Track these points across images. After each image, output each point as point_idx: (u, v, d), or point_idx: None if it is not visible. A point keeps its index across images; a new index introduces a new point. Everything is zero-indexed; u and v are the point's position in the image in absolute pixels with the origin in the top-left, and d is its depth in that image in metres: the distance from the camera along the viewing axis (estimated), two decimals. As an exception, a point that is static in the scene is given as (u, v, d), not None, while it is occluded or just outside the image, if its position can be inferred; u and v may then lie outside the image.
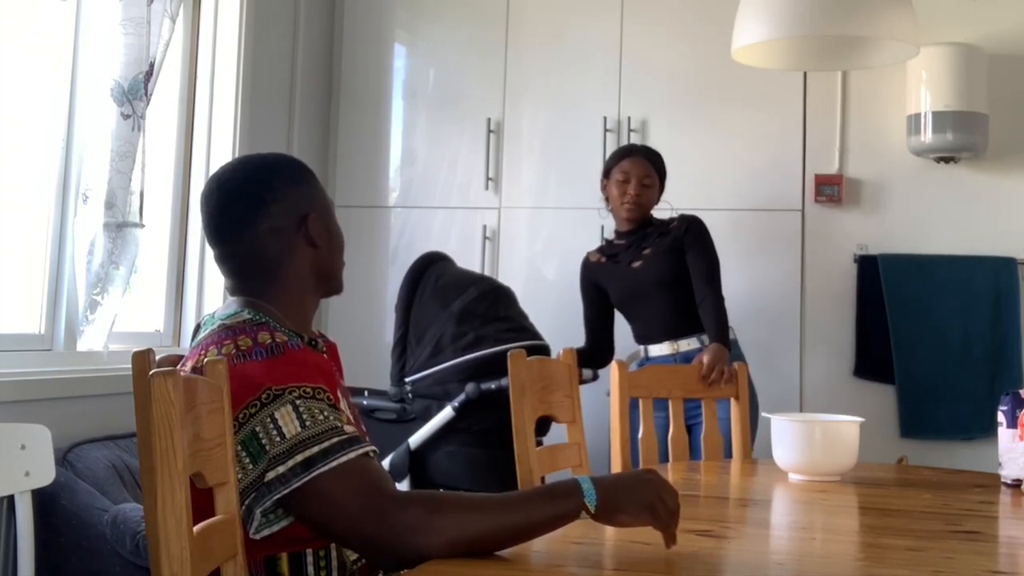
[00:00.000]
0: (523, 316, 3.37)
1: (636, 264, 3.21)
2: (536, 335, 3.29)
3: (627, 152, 3.28)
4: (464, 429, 3.17)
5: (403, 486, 3.15)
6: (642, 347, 3.26)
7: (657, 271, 3.17)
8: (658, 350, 3.19)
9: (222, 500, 1.37)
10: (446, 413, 3.15)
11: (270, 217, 1.60)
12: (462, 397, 3.14)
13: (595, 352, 3.31)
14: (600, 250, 3.35)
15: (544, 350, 3.19)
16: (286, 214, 1.61)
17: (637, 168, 3.21)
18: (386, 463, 3.18)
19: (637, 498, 1.36)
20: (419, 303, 3.32)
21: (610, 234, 3.39)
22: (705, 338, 3.08)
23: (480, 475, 3.14)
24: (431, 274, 3.35)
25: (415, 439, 3.19)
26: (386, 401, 3.29)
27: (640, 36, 3.88)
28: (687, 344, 3.14)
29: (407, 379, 3.28)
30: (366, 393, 3.33)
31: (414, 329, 3.31)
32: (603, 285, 3.30)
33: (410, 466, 3.18)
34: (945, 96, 3.53)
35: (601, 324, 3.34)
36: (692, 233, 3.16)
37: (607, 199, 3.29)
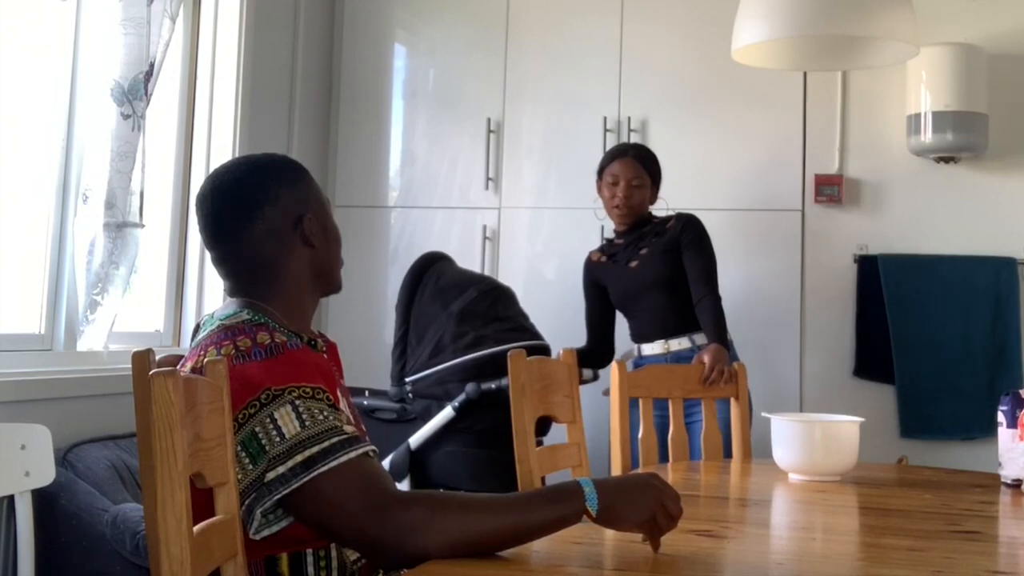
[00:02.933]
0: (523, 316, 3.37)
1: (633, 264, 3.21)
2: (536, 335, 3.30)
3: (617, 153, 3.28)
4: (464, 429, 3.17)
5: (403, 486, 3.15)
6: (635, 346, 3.26)
7: (653, 272, 3.17)
8: (650, 349, 3.20)
9: (222, 500, 1.37)
10: (446, 413, 3.15)
11: (266, 219, 1.60)
12: (462, 397, 3.14)
13: (596, 351, 3.32)
14: (601, 249, 3.36)
15: (544, 350, 3.19)
16: (282, 215, 1.61)
17: (626, 170, 3.20)
18: (386, 463, 3.18)
19: (639, 504, 1.36)
20: (419, 303, 3.33)
21: (610, 233, 3.40)
22: (696, 337, 3.10)
23: (480, 475, 3.14)
24: (431, 274, 3.35)
25: (415, 439, 3.19)
26: (386, 401, 3.29)
27: (640, 36, 3.88)
28: (678, 344, 3.15)
29: (407, 379, 3.28)
30: (367, 393, 3.33)
31: (414, 329, 3.31)
32: (604, 284, 3.31)
33: (410, 466, 3.19)
34: (945, 96, 3.53)
35: (602, 323, 3.34)
36: (688, 233, 3.15)
37: (603, 200, 3.29)
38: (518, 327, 3.29)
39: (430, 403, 3.21)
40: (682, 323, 3.15)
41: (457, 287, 3.31)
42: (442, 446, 3.19)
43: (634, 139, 3.80)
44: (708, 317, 3.05)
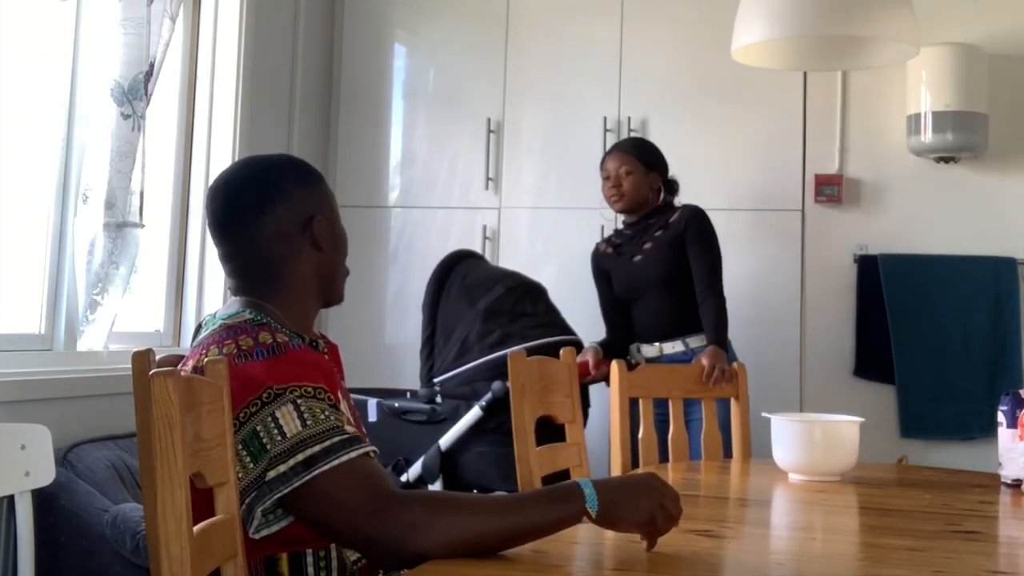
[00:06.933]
0: (552, 312, 3.33)
1: (637, 259, 3.19)
2: (566, 330, 3.26)
3: (610, 150, 3.30)
4: (494, 428, 3.13)
5: (435, 487, 3.14)
6: (633, 345, 3.24)
7: (656, 269, 3.15)
8: (646, 351, 3.20)
9: (222, 500, 1.37)
10: (474, 413, 3.12)
11: (276, 218, 1.59)
12: (488, 396, 3.11)
13: (618, 341, 3.26)
14: (608, 240, 3.35)
15: (574, 345, 3.15)
16: (292, 215, 1.60)
17: (615, 163, 3.21)
18: (417, 465, 3.17)
19: (639, 505, 1.36)
20: (446, 302, 3.30)
21: (611, 232, 3.40)
22: (690, 341, 3.10)
23: (512, 475, 3.11)
24: (457, 273, 3.33)
25: (445, 440, 3.16)
26: (417, 402, 3.27)
27: (640, 36, 3.88)
28: (671, 347, 3.15)
29: (435, 379, 3.26)
30: (408, 395, 3.32)
31: (441, 329, 3.29)
32: (610, 275, 3.28)
33: (441, 467, 3.15)
34: (945, 96, 3.53)
35: (619, 312, 3.28)
36: (693, 227, 3.13)
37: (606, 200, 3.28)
38: (545, 323, 3.25)
39: (459, 403, 3.18)
40: (678, 326, 3.13)
41: (483, 285, 3.29)
42: (472, 446, 3.15)
43: (634, 139, 3.80)
44: (709, 319, 3.03)
